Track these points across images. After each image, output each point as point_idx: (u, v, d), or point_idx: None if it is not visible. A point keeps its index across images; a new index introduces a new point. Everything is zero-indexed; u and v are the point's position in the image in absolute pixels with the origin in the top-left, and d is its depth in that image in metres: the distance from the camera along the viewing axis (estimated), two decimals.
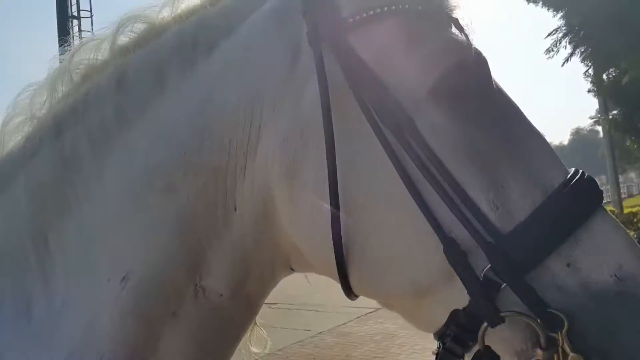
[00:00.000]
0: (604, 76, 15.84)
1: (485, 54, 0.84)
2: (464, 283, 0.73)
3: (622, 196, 42.84)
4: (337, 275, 0.84)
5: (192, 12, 0.98)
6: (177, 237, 0.88)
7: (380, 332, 7.87)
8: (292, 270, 0.98)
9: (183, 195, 0.88)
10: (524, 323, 0.72)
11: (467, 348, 0.76)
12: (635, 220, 16.23)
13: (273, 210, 0.87)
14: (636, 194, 59.18)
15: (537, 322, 0.71)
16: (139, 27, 0.99)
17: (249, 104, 0.87)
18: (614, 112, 18.27)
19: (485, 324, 0.72)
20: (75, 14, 18.48)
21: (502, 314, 0.72)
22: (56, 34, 17.21)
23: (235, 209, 0.88)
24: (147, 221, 0.89)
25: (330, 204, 0.79)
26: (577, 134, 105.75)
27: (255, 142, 0.87)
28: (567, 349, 0.69)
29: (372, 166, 0.79)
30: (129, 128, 0.92)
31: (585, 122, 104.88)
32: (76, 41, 1.12)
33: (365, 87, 0.80)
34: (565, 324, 0.70)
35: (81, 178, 0.92)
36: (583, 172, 0.78)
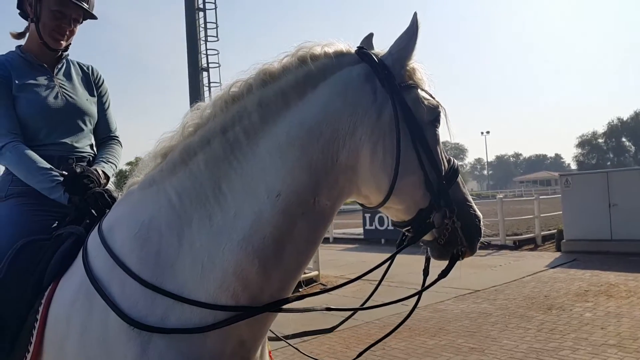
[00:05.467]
0: None
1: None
2: (431, 196, 1.70)
3: None
4: (382, 199, 1.71)
5: (297, 67, 1.71)
6: (307, 172, 1.63)
7: (476, 311, 7.98)
8: (350, 196, 1.77)
9: (311, 151, 1.63)
10: (444, 211, 1.71)
11: (425, 222, 1.73)
12: None
13: (357, 163, 1.67)
14: None
15: (447, 210, 1.70)
16: (264, 75, 1.71)
17: (352, 110, 1.67)
18: None
19: (434, 211, 1.71)
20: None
21: (438, 208, 1.71)
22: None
23: (337, 161, 1.66)
24: (290, 165, 1.62)
25: (395, 162, 1.65)
26: None
27: (352, 130, 1.66)
28: (455, 219, 1.72)
29: (408, 148, 1.67)
30: (270, 125, 1.67)
31: None
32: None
33: (407, 114, 1.69)
34: (456, 210, 1.72)
35: (242, 151, 1.66)
36: (452, 158, 1.80)
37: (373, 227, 18.06)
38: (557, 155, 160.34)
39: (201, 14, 19.12)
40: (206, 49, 19.28)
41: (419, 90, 1.78)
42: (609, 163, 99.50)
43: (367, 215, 18.02)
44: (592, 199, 13.43)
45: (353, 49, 1.81)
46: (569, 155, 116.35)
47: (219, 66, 19.98)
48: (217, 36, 20.08)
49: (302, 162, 1.63)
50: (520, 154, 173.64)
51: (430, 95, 1.80)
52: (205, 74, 19.09)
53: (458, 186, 1.80)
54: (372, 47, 1.85)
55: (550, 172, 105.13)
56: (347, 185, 1.72)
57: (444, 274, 1.83)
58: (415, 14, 1.73)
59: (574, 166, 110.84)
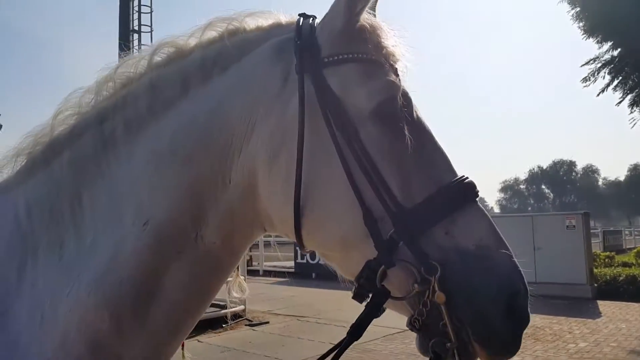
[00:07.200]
0: None
1: (410, 93, 1.24)
2: (374, 240, 1.09)
3: None
4: (294, 234, 1.19)
5: (212, 42, 1.30)
6: (189, 194, 1.21)
7: (405, 352, 7.74)
8: (265, 231, 1.31)
9: (196, 165, 1.21)
10: (409, 268, 1.08)
11: (375, 287, 1.11)
12: None
13: (256, 184, 1.21)
14: None
15: (418, 268, 1.07)
16: (170, 50, 1.32)
17: (251, 108, 1.22)
18: None
19: (383, 266, 1.08)
20: (136, 28, 19.19)
21: (395, 261, 1.08)
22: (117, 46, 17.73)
23: (230, 182, 1.22)
24: (167, 183, 1.21)
25: (295, 182, 1.14)
26: (635, 170, 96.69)
27: (250, 134, 1.21)
28: (437, 288, 1.05)
29: (326, 158, 1.14)
30: (157, 119, 1.24)
31: None
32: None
33: (330, 105, 1.16)
34: (439, 270, 1.05)
35: (115, 151, 1.24)
36: (467, 177, 1.16)
37: (304, 261, 17.75)
38: (481, 198, 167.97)
39: None
40: (139, 5, 19.13)
41: (365, 65, 1.20)
42: (529, 208, 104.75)
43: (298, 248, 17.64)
44: (517, 241, 13.58)
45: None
46: (493, 199, 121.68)
47: (151, 31, 19.92)
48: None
49: (183, 179, 1.21)
50: None
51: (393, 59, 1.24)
52: (136, 36, 18.92)
53: (470, 222, 1.13)
54: None
55: None
56: (250, 216, 1.24)
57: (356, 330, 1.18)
58: None
59: (497, 209, 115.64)
